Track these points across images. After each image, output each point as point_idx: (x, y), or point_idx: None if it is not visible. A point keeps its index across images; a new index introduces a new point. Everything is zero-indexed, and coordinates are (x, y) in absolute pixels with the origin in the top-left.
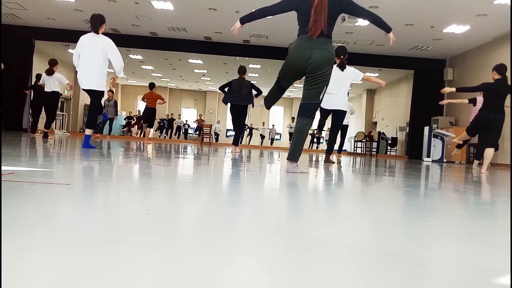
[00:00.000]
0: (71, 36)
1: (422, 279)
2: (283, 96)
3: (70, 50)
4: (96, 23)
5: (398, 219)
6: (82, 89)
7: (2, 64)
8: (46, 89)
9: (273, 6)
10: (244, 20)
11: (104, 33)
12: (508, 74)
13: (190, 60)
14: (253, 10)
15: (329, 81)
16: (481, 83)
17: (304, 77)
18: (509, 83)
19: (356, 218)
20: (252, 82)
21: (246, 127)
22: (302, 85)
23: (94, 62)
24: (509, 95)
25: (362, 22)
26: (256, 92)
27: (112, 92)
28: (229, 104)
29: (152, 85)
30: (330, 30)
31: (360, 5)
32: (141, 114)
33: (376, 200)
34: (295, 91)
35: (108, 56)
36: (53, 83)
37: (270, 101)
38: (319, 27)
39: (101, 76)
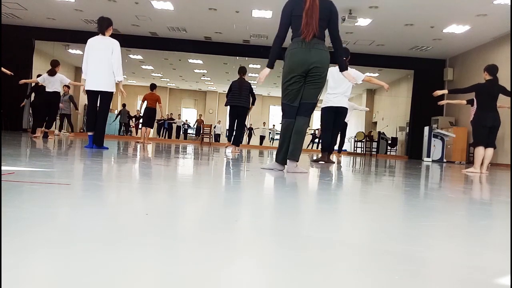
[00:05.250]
0: (71, 36)
1: (422, 279)
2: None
3: (70, 50)
4: (103, 24)
5: (398, 219)
6: (87, 90)
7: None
8: (47, 89)
9: (279, 29)
10: (271, 63)
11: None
12: (508, 74)
13: (190, 60)
14: (271, 55)
15: (325, 81)
16: (473, 84)
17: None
18: (500, 83)
19: (356, 218)
20: (251, 85)
21: (246, 127)
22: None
23: (103, 64)
24: (509, 96)
25: (362, 22)
26: (253, 97)
27: (68, 87)
28: (228, 107)
29: (153, 86)
30: (322, 33)
31: (360, 5)
32: (142, 115)
33: (376, 200)
34: None
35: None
36: (55, 84)
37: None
38: (311, 30)
39: (109, 77)
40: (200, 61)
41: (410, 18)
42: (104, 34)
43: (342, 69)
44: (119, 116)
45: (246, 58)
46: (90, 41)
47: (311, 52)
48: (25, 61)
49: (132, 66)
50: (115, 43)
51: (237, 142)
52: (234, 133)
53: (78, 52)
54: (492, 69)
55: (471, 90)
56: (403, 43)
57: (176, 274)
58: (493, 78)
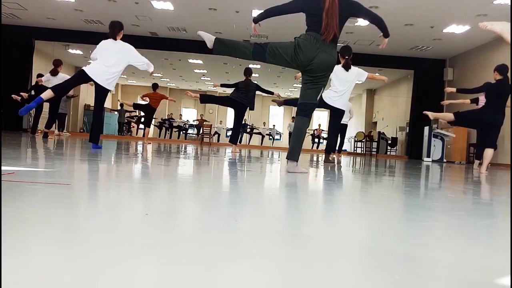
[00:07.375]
0: (71, 36)
1: (422, 279)
2: (283, 96)
3: (70, 50)
4: (115, 29)
5: (398, 219)
6: (88, 75)
7: None
8: None
9: (283, 6)
10: (256, 19)
11: (106, 33)
12: (509, 74)
13: (190, 60)
14: (262, 11)
15: (326, 82)
16: (482, 84)
17: (300, 76)
18: (509, 82)
19: (356, 218)
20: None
21: (247, 126)
22: (300, 85)
23: (110, 65)
24: (510, 96)
25: (362, 22)
26: (265, 92)
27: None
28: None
29: (155, 86)
30: (339, 33)
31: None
32: (142, 109)
33: (376, 200)
34: (295, 91)
35: (131, 62)
36: (57, 84)
37: (223, 48)
38: (332, 31)
39: (112, 77)
40: (200, 61)
41: (410, 18)
42: (115, 39)
43: (386, 35)
44: (117, 116)
45: None
46: (103, 43)
47: (319, 53)
48: (25, 61)
49: (132, 66)
50: (128, 47)
51: (235, 140)
52: (231, 132)
53: (78, 52)
54: (502, 69)
55: (481, 90)
56: (403, 43)
57: (176, 274)
58: (504, 77)
